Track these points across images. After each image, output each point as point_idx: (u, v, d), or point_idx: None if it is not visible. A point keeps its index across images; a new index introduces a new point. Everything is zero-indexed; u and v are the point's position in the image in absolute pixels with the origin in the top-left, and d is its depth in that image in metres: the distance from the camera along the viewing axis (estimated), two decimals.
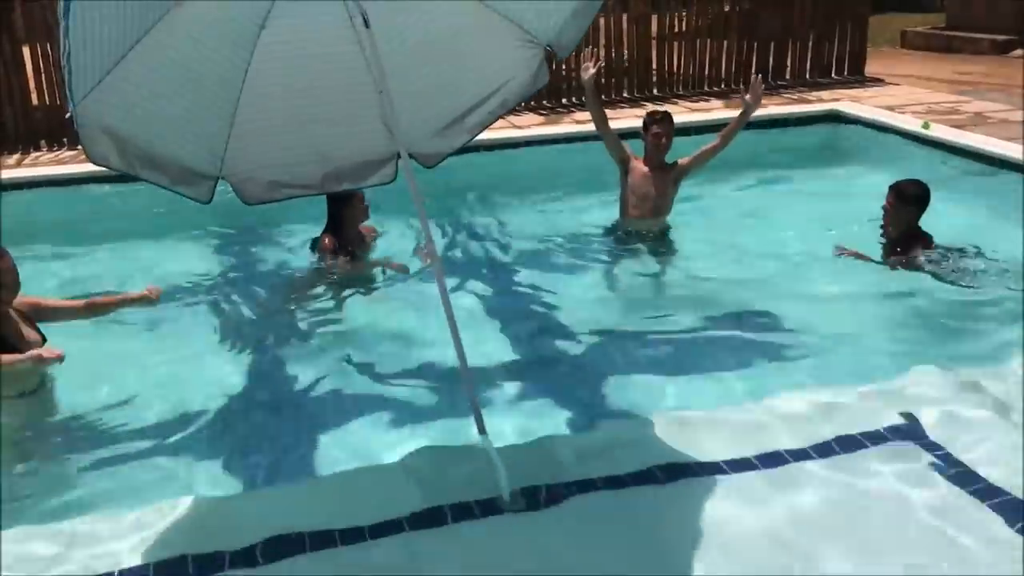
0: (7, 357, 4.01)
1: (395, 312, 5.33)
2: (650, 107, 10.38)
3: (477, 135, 4.49)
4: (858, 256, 5.60)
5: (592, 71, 5.64)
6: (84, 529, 3.19)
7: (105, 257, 6.39)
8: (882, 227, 5.65)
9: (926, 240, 5.51)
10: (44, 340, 4.29)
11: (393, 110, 3.74)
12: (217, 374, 4.73)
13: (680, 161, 5.99)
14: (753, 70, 11.35)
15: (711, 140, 6.04)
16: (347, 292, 5.57)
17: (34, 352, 4.04)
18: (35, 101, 9.25)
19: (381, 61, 3.71)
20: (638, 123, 9.48)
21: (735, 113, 9.82)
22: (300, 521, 3.14)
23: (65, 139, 9.26)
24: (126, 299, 4.58)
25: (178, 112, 3.78)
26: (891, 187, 5.54)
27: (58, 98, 9.26)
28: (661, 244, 6.04)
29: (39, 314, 4.39)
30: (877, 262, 5.57)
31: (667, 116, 6.03)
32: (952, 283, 5.28)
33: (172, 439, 4.10)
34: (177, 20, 3.49)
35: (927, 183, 5.56)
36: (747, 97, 5.80)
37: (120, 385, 4.51)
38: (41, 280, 5.52)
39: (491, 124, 4.47)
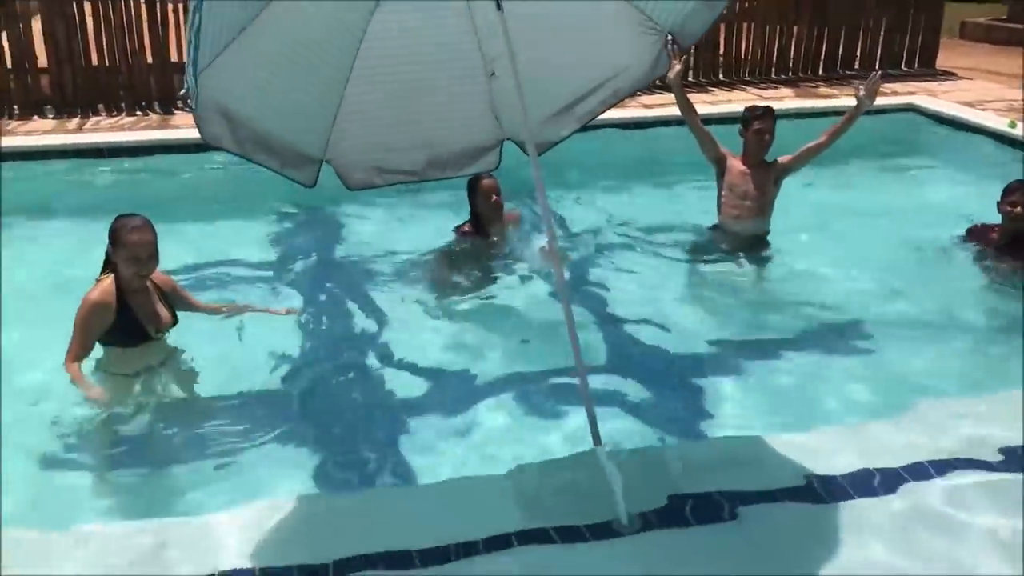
0: (76, 373, 3.81)
1: (510, 309, 5.14)
2: (717, 93, 10.22)
3: (587, 123, 4.29)
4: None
5: (678, 67, 5.25)
6: (183, 525, 3.08)
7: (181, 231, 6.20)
8: (996, 230, 5.40)
9: None
10: (175, 321, 4.11)
11: (523, 94, 3.52)
12: (323, 368, 4.59)
13: (781, 159, 5.65)
14: (823, 58, 11.07)
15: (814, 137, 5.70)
16: (467, 282, 5.37)
17: (92, 392, 3.81)
18: (95, 61, 9.08)
19: (510, 44, 3.49)
20: (705, 109, 9.38)
21: (805, 102, 9.73)
22: (404, 533, 3.00)
23: (123, 104, 9.10)
24: (267, 311, 4.34)
25: (289, 94, 3.64)
26: (1012, 186, 5.29)
27: (118, 59, 9.09)
28: (761, 248, 5.75)
29: (174, 298, 4.19)
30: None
31: (769, 111, 5.66)
32: None
33: (273, 434, 3.94)
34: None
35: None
36: (861, 92, 5.50)
37: (236, 374, 4.34)
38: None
39: (601, 113, 4.27)
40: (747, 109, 5.81)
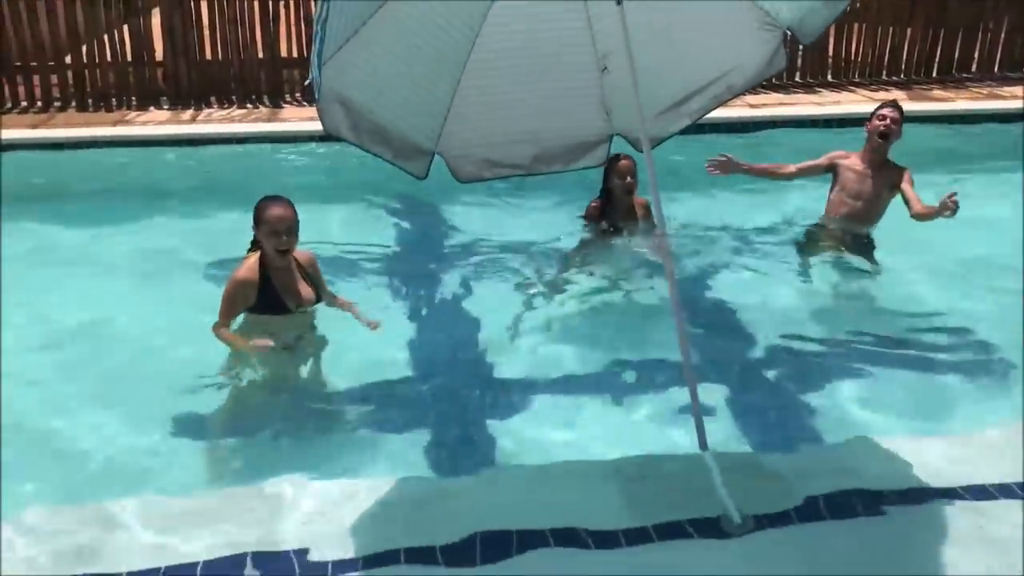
0: (227, 335, 4.03)
1: (625, 305, 5.13)
2: (824, 94, 9.96)
3: (698, 120, 4.24)
4: None
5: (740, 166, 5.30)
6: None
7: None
8: None
9: None
10: (318, 299, 4.26)
11: (638, 92, 3.50)
12: (436, 356, 4.69)
13: (905, 169, 5.41)
14: (937, 60, 10.68)
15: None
16: (588, 272, 5.38)
17: (250, 345, 4.00)
18: (209, 55, 9.37)
19: (628, 39, 3.46)
20: (811, 111, 9.16)
21: (918, 105, 9.38)
22: (508, 515, 3.05)
23: (234, 97, 9.38)
24: (359, 318, 4.44)
25: (406, 87, 3.71)
26: None
27: (230, 52, 9.36)
28: (866, 249, 5.56)
29: (316, 277, 4.31)
30: None
31: (896, 103, 5.45)
32: None
33: (377, 417, 4.04)
34: None
35: None
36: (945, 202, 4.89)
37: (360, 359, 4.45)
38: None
39: (714, 109, 4.22)
40: (881, 105, 5.55)
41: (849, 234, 5.53)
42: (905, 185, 5.29)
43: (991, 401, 4.18)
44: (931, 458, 3.40)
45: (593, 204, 5.53)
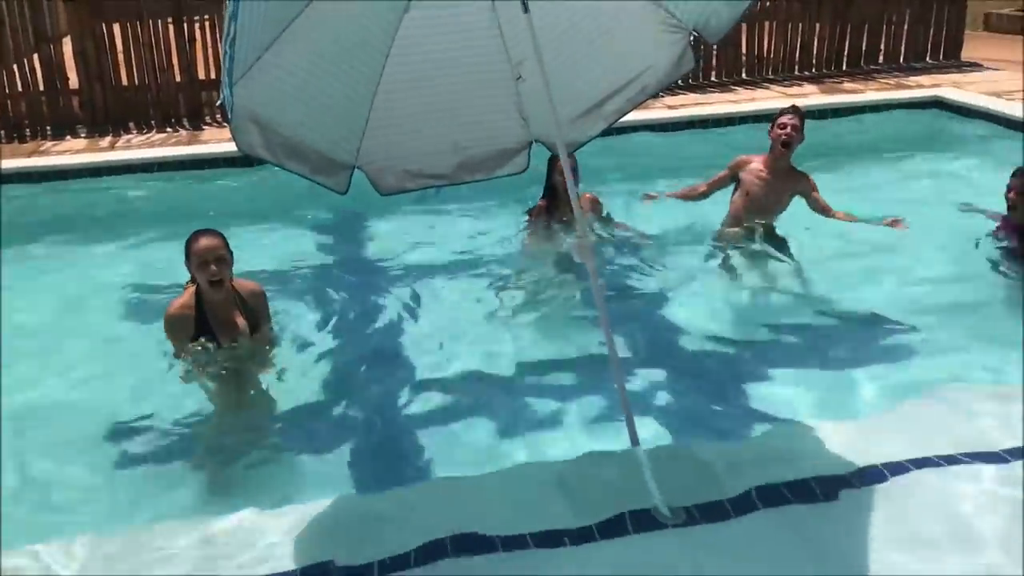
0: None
1: (548, 306, 5.21)
2: (740, 91, 10.21)
3: (614, 123, 4.32)
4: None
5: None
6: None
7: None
8: (1010, 223, 5.33)
9: None
10: (254, 330, 4.21)
11: (551, 97, 3.56)
12: (367, 371, 4.71)
13: (810, 178, 5.62)
14: (846, 53, 11.02)
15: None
16: (523, 276, 5.44)
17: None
18: (125, 80, 9.22)
19: (537, 47, 3.53)
20: (728, 109, 9.37)
21: (830, 98, 9.67)
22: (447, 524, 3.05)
23: (153, 121, 9.25)
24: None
25: (320, 102, 3.69)
26: (1015, 175, 5.19)
27: (147, 77, 9.23)
28: (775, 240, 5.72)
29: (258, 309, 4.29)
30: None
31: (796, 108, 5.63)
32: None
33: (309, 438, 4.03)
34: (324, 6, 3.39)
35: None
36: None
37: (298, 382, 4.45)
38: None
39: (629, 112, 4.28)
40: (782, 110, 5.75)
41: (756, 228, 5.69)
42: (815, 195, 5.52)
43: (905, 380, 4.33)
44: (851, 439, 3.50)
45: (540, 203, 5.67)
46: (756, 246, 5.69)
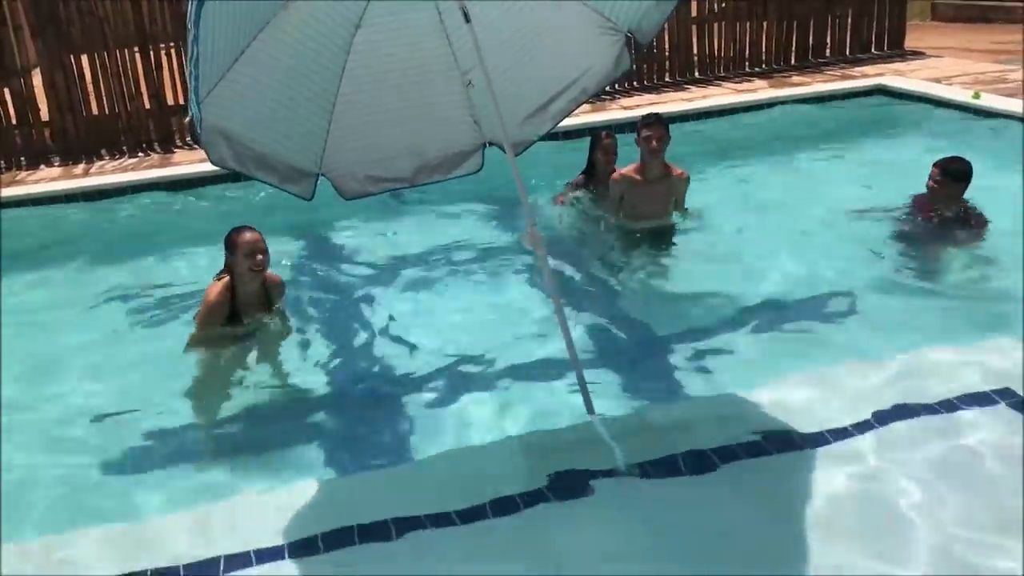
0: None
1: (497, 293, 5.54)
2: (693, 90, 10.56)
3: (559, 123, 4.62)
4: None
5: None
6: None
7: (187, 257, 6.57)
8: (927, 207, 5.65)
9: (981, 219, 5.51)
10: (269, 311, 4.94)
11: (497, 101, 3.87)
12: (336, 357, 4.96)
13: (679, 174, 5.94)
14: (794, 49, 11.40)
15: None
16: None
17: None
18: (95, 110, 9.45)
19: (481, 54, 3.83)
20: (682, 107, 9.70)
21: (779, 91, 10.05)
22: (414, 502, 3.32)
23: (125, 147, 9.47)
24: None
25: (283, 114, 3.96)
26: (937, 165, 5.50)
27: (116, 105, 9.46)
28: (669, 237, 6.05)
29: (276, 295, 5.00)
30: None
31: (657, 119, 5.86)
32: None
33: (270, 427, 4.31)
34: (282, 23, 3.69)
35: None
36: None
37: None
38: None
39: (572, 111, 4.59)
40: (644, 116, 6.00)
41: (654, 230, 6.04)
42: (683, 188, 5.98)
43: (846, 342, 4.62)
44: (796, 402, 3.82)
45: (579, 176, 6.56)
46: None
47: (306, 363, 4.84)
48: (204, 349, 4.80)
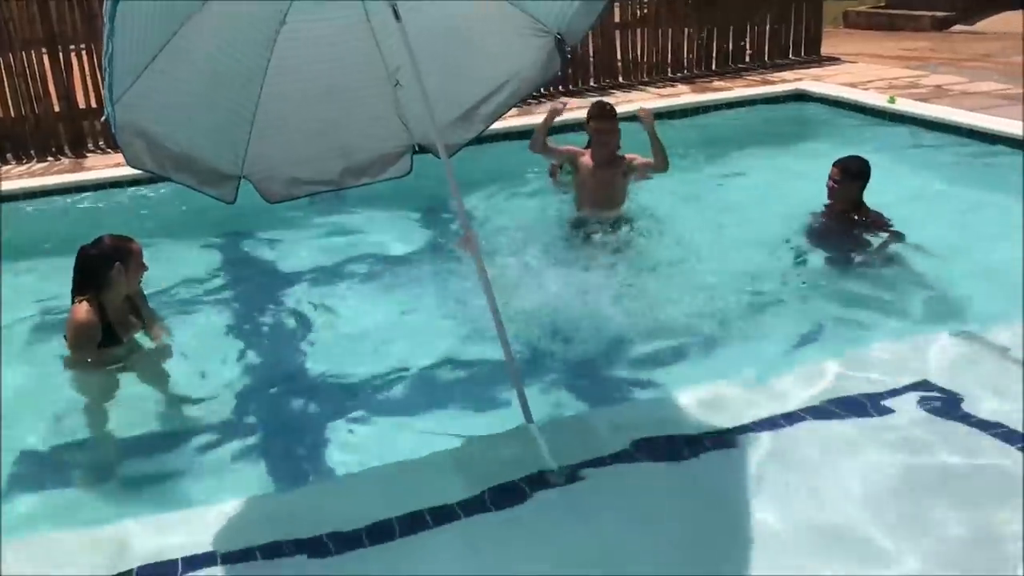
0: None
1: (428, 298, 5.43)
2: (617, 95, 10.61)
3: (490, 125, 4.56)
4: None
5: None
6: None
7: None
8: (827, 205, 5.74)
9: (879, 218, 5.61)
10: (142, 325, 4.62)
11: (429, 102, 3.78)
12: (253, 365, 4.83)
13: (628, 157, 5.91)
14: (715, 55, 11.58)
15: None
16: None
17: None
18: (0, 112, 9.06)
19: (412, 54, 3.74)
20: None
21: (701, 96, 10.19)
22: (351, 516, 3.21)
23: (33, 151, 9.09)
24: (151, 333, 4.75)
25: (203, 114, 3.82)
26: (835, 164, 5.62)
27: (23, 107, 9.08)
28: (620, 231, 5.97)
29: (141, 304, 4.68)
30: None
31: (607, 113, 5.86)
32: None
33: (200, 441, 4.12)
34: (202, 20, 3.54)
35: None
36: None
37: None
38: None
39: (503, 114, 4.54)
40: (591, 106, 6.02)
41: (604, 220, 6.00)
42: (638, 162, 5.84)
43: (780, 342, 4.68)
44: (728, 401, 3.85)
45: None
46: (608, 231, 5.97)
47: (223, 377, 4.61)
48: (81, 372, 4.40)
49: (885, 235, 5.56)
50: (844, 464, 3.37)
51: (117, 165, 7.65)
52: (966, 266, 5.30)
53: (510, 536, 3.11)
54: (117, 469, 4.02)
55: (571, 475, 3.35)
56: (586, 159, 5.98)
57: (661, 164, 5.69)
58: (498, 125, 4.69)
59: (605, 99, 6.55)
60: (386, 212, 6.85)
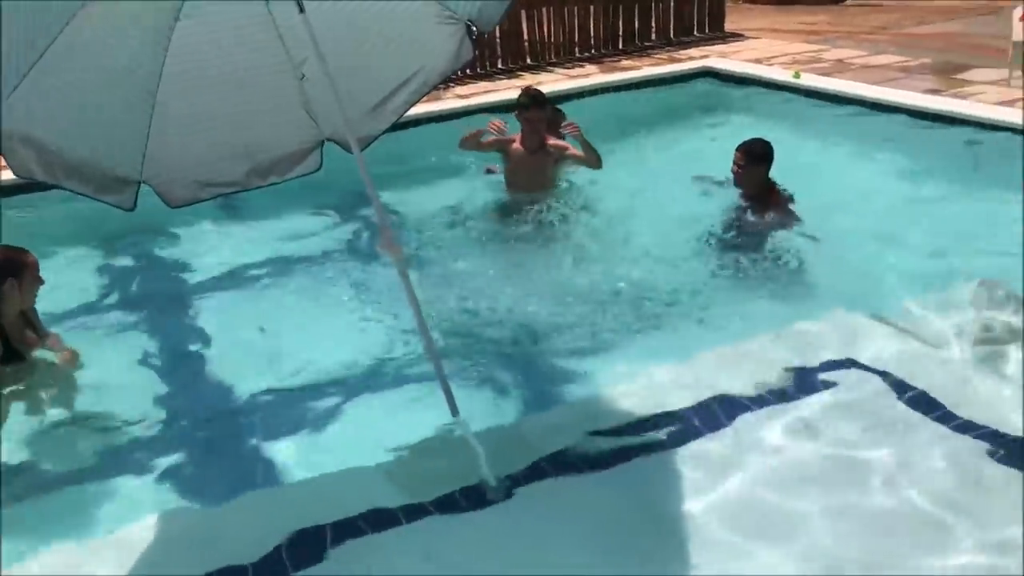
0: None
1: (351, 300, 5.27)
2: (526, 77, 10.51)
3: (401, 116, 4.42)
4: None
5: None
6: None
7: None
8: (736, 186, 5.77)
9: (784, 197, 5.66)
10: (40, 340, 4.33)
11: (338, 94, 3.64)
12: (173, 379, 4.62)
13: (558, 144, 5.93)
14: (621, 34, 11.59)
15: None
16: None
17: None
18: None
19: (317, 46, 3.58)
20: (515, 94, 9.59)
21: (611, 76, 10.16)
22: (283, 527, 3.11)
23: None
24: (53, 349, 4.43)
25: (96, 116, 3.60)
26: (738, 148, 5.64)
27: None
28: (549, 214, 5.98)
29: (35, 319, 4.39)
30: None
31: (536, 102, 5.90)
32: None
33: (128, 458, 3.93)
34: (90, 17, 3.31)
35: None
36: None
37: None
38: None
39: (414, 104, 4.39)
40: (521, 94, 6.04)
41: (532, 202, 6.00)
42: (569, 153, 5.86)
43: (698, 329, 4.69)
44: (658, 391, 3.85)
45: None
46: (525, 217, 5.93)
47: (136, 390, 4.42)
48: None
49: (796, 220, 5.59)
50: (772, 450, 3.39)
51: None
52: (876, 243, 5.41)
53: (448, 542, 3.05)
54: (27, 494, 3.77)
55: (508, 491, 3.28)
56: (516, 145, 6.01)
57: (594, 163, 5.79)
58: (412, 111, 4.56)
59: (514, 81, 6.52)
60: (300, 209, 6.65)
